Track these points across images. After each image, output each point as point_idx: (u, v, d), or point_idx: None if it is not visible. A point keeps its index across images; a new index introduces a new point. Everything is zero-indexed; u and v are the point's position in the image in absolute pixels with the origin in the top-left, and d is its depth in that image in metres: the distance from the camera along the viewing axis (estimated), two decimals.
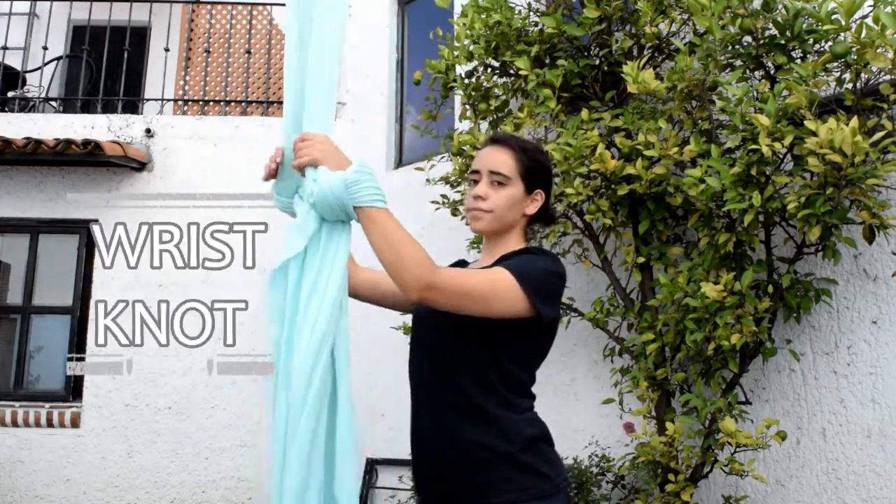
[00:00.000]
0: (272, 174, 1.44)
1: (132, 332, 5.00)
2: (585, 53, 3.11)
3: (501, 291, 1.34)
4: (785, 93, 2.32)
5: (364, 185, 1.29)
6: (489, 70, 3.31)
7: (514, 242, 1.52)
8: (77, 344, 4.78)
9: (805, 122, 2.16)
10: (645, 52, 3.04)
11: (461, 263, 1.67)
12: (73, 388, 4.75)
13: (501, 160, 1.48)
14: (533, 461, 1.39)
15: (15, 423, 4.58)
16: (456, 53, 3.20)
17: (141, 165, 4.88)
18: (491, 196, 1.47)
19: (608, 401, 3.00)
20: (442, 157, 3.72)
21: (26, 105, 5.65)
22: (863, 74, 2.31)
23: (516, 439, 1.38)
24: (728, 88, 2.36)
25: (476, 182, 1.50)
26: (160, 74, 5.84)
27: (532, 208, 1.52)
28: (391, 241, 1.28)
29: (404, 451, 4.51)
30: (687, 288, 2.54)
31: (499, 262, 1.44)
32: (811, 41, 2.42)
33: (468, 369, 1.41)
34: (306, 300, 1.31)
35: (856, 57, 2.22)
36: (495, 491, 1.36)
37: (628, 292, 3.07)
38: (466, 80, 3.31)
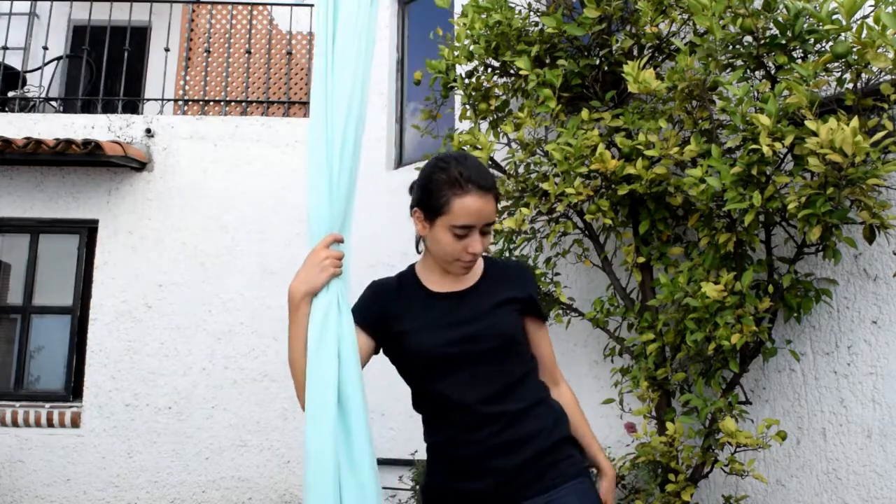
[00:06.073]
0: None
1: (132, 332, 5.02)
2: (586, 53, 3.11)
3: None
4: (785, 93, 2.32)
5: None
6: (489, 70, 3.31)
7: None
8: (77, 344, 4.79)
9: (805, 122, 2.16)
10: (645, 52, 3.04)
11: (431, 293, 1.61)
12: (74, 388, 4.75)
13: (492, 210, 1.50)
14: (574, 440, 1.60)
15: (15, 423, 4.58)
16: (456, 53, 3.20)
17: (141, 165, 4.88)
18: (484, 244, 1.52)
19: (608, 401, 3.00)
20: None
21: (26, 105, 5.65)
22: (863, 74, 2.30)
23: (566, 420, 1.59)
24: (728, 88, 2.36)
25: (466, 236, 1.48)
26: (160, 74, 5.85)
27: None
28: None
29: (404, 450, 4.49)
30: (687, 288, 2.54)
31: (504, 288, 1.59)
32: (812, 41, 2.42)
33: (526, 372, 1.56)
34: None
35: (856, 57, 2.22)
36: (560, 472, 1.49)
37: (628, 292, 3.07)
38: (466, 80, 3.31)
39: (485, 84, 3.31)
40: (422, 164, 4.12)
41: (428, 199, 1.51)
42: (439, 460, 1.56)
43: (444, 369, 1.50)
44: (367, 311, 1.58)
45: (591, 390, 3.40)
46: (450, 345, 1.50)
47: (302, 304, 1.45)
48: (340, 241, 1.51)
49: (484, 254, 1.58)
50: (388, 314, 1.56)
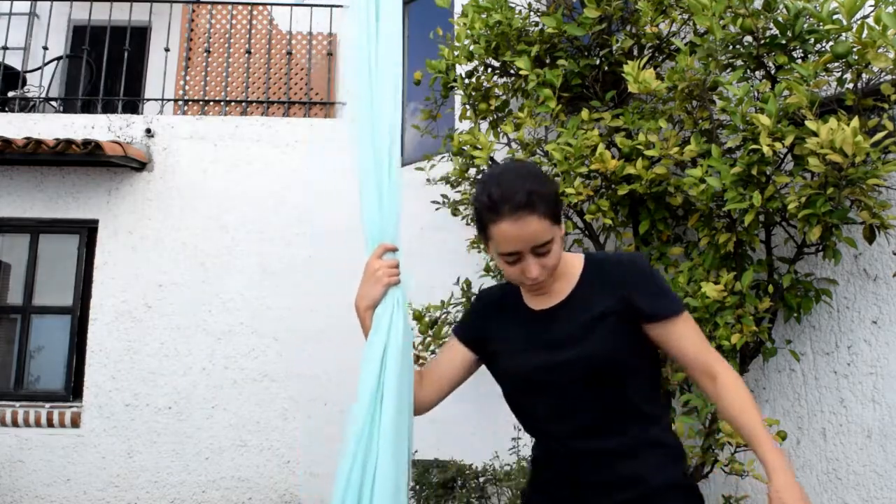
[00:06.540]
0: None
1: (132, 332, 5.01)
2: (586, 53, 3.11)
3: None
4: (786, 93, 2.32)
5: None
6: (489, 70, 3.31)
7: (565, 258, 1.45)
8: (77, 344, 4.79)
9: (806, 122, 2.16)
10: (645, 52, 3.04)
11: (528, 311, 1.49)
12: (74, 388, 4.75)
13: (538, 230, 1.28)
14: (686, 487, 1.42)
15: (15, 423, 4.58)
16: (456, 53, 3.20)
17: (141, 165, 4.88)
18: (545, 265, 1.33)
19: None
20: (442, 157, 3.72)
21: (26, 105, 5.65)
22: (864, 74, 2.30)
23: (680, 461, 1.42)
24: (729, 88, 2.35)
25: (517, 261, 1.33)
26: (160, 74, 5.84)
27: (563, 228, 1.41)
28: None
29: None
30: (687, 288, 2.54)
31: (599, 297, 1.39)
32: (812, 41, 2.42)
33: (633, 398, 1.39)
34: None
35: (857, 57, 2.22)
36: None
37: None
38: (466, 80, 3.31)
39: (485, 84, 3.31)
40: (422, 164, 4.10)
41: (478, 226, 1.39)
42: (535, 473, 1.52)
43: (536, 393, 1.42)
44: (468, 328, 1.54)
45: None
46: (537, 371, 1.40)
47: (366, 318, 1.44)
48: (394, 250, 1.48)
49: (589, 252, 1.50)
50: (487, 332, 1.50)
